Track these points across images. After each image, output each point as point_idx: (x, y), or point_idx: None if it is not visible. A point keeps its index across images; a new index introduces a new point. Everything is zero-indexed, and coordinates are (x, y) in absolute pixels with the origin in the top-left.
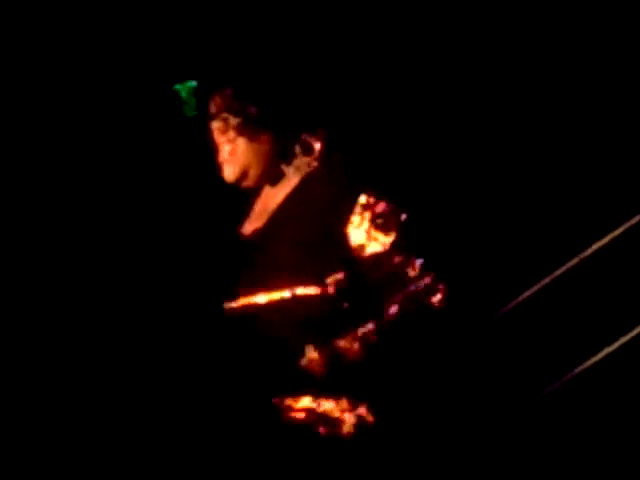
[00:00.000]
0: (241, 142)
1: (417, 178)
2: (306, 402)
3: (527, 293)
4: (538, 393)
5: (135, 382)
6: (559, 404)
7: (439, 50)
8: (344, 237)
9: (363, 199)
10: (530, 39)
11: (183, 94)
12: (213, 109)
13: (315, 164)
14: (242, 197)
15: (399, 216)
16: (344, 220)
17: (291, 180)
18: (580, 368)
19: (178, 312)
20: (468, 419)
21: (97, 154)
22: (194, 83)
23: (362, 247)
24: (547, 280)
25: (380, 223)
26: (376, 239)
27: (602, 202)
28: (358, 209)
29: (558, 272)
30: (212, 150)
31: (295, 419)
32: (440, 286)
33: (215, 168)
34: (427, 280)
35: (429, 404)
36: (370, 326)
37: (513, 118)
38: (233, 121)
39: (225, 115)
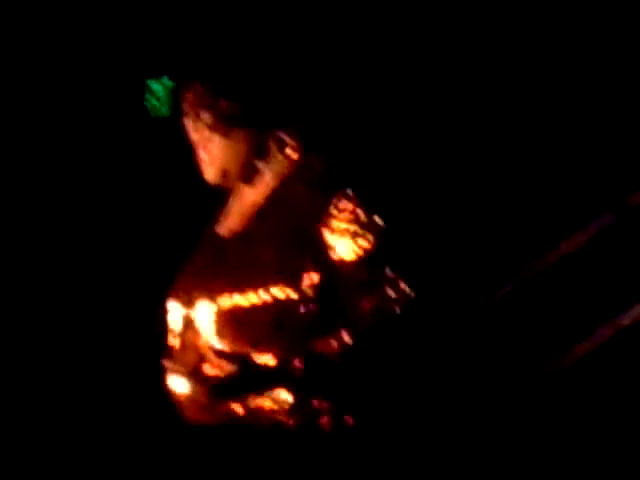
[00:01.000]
0: (216, 140)
1: (394, 177)
2: (283, 402)
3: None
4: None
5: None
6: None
7: (418, 49)
8: (321, 239)
9: (340, 201)
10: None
11: (158, 91)
12: (185, 106)
13: (291, 162)
14: (217, 196)
15: (376, 218)
16: (321, 222)
17: (267, 178)
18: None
19: (153, 313)
20: (459, 413)
21: (68, 151)
22: (171, 82)
23: (338, 250)
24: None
25: (357, 225)
26: (352, 242)
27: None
28: (335, 211)
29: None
30: (187, 148)
31: (270, 419)
32: (411, 292)
33: (191, 167)
34: (401, 285)
35: (415, 401)
36: (346, 329)
37: (479, 120)
38: (206, 118)
39: (198, 112)
